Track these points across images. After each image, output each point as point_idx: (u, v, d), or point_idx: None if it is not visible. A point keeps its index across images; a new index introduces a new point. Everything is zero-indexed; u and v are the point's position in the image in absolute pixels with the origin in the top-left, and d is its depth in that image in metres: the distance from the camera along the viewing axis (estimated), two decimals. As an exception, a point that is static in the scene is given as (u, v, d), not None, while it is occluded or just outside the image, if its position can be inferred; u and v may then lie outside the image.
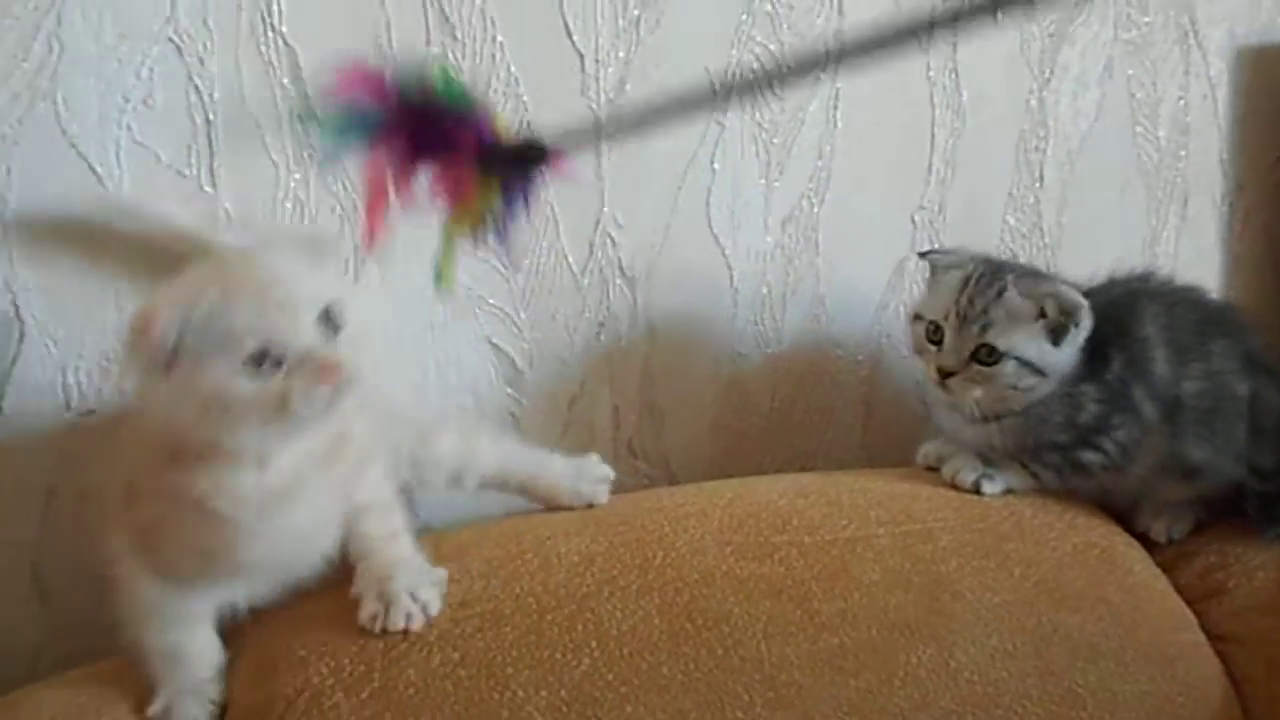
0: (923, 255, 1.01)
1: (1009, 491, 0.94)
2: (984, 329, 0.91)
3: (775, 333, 1.11)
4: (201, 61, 0.89)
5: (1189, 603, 0.92)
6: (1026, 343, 0.91)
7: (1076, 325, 0.91)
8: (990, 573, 0.86)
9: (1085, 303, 0.91)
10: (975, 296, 0.92)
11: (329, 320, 0.71)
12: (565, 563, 0.82)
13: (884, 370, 1.15)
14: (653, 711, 0.76)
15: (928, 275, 1.00)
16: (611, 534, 0.85)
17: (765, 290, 1.10)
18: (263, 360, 0.68)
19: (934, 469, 0.98)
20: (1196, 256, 1.25)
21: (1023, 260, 1.13)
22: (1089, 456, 0.93)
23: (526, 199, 0.62)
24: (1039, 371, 0.91)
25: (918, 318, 0.97)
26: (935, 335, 0.94)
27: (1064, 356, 0.92)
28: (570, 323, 1.04)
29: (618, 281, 1.05)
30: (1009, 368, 0.91)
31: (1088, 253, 1.19)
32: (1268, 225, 1.27)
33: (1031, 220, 1.18)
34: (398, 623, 0.76)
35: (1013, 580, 0.86)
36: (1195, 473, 0.95)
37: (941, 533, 0.88)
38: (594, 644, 0.77)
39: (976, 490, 0.94)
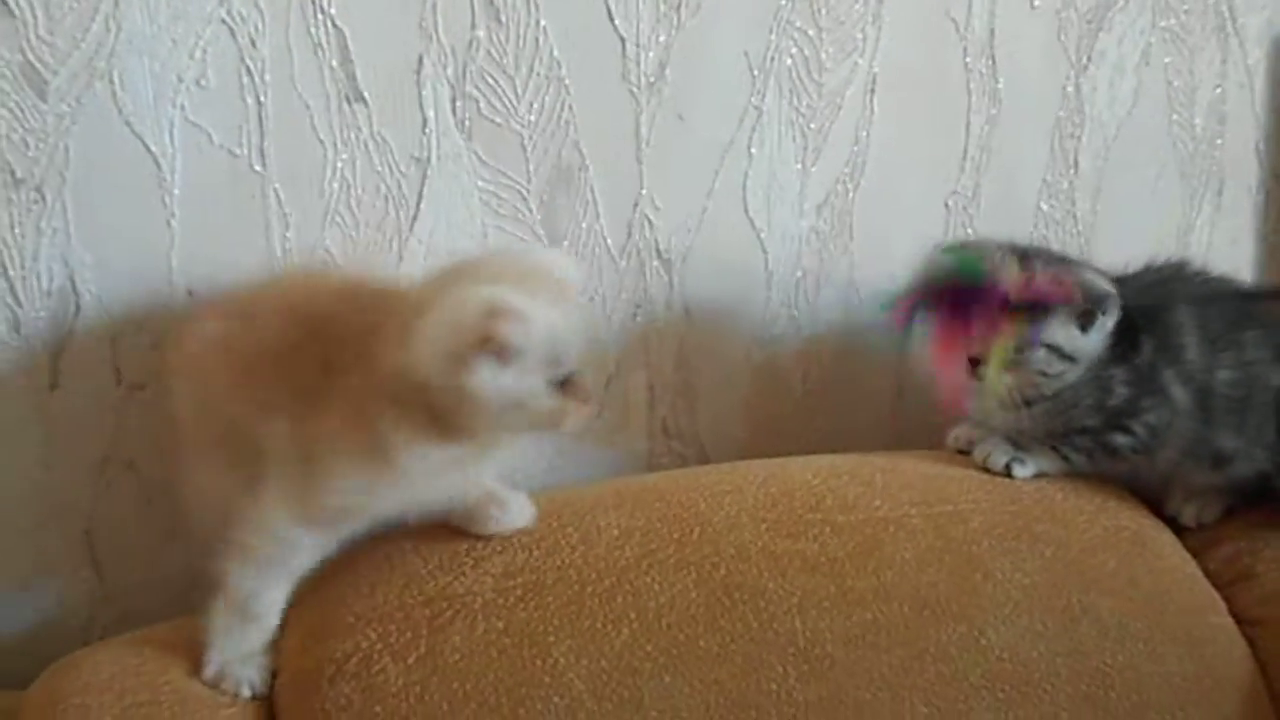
0: (946, 250, 1.00)
1: (1040, 475, 0.96)
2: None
3: (809, 316, 1.13)
4: (253, 43, 0.91)
5: (1217, 587, 0.93)
6: (1055, 329, 0.92)
7: (1104, 313, 0.92)
8: (1021, 554, 0.88)
9: (1112, 291, 0.92)
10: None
11: None
12: (605, 536, 0.84)
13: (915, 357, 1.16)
14: (689, 681, 0.78)
15: None
16: (649, 509, 0.87)
17: (800, 274, 1.11)
18: (563, 381, 0.76)
19: (964, 452, 1.00)
20: (1230, 245, 1.25)
21: (1052, 246, 1.14)
22: (1119, 439, 0.94)
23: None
24: (1068, 357, 0.92)
25: None
26: None
27: (1092, 343, 0.93)
28: (608, 304, 1.05)
29: (654, 264, 1.06)
30: (1039, 354, 0.92)
31: (1121, 240, 1.20)
32: (1302, 214, 1.27)
33: (1065, 207, 1.19)
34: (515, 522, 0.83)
35: (1043, 561, 0.87)
36: (1225, 461, 0.95)
37: (973, 514, 0.90)
38: (633, 615, 0.79)
39: (1008, 473, 0.95)
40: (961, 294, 0.80)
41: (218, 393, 0.82)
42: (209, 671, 0.79)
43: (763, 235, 1.09)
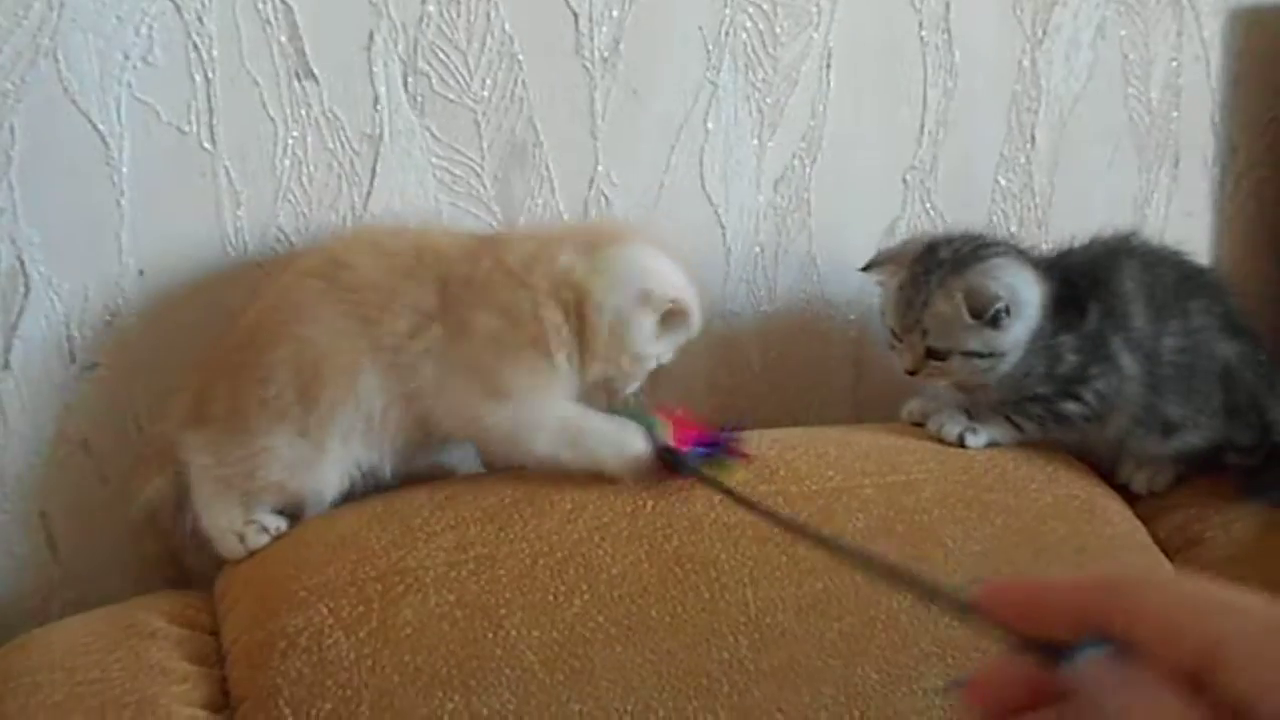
0: (864, 269, 1.02)
1: (993, 444, 0.96)
2: (923, 334, 0.95)
3: (768, 291, 1.13)
4: (200, 19, 0.90)
5: (1168, 554, 0.94)
6: (965, 337, 0.93)
7: (1007, 313, 0.92)
8: (971, 522, 0.88)
9: (1002, 290, 0.91)
10: (908, 307, 0.95)
11: None
12: (558, 510, 0.84)
13: (874, 329, 1.16)
14: (641, 651, 0.78)
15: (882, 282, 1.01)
16: (602, 484, 0.87)
17: (758, 249, 1.12)
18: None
19: (918, 424, 1.01)
20: (1186, 218, 1.26)
21: (974, 231, 1.06)
22: (1070, 407, 0.95)
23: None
24: (990, 355, 0.93)
25: (883, 315, 1.00)
26: (896, 338, 0.98)
27: (1013, 335, 0.93)
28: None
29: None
30: (956, 362, 0.94)
31: (1078, 213, 1.21)
32: (1259, 188, 1.28)
33: (1023, 181, 1.19)
34: None
35: (993, 530, 0.88)
36: (1173, 429, 0.97)
37: (925, 484, 0.91)
38: (585, 587, 0.80)
39: (961, 444, 0.96)
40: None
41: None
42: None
43: (720, 211, 1.09)
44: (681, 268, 0.92)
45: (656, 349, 0.91)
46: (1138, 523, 0.95)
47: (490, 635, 0.77)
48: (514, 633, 0.77)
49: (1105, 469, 0.99)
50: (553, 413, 0.88)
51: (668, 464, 0.85)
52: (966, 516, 0.89)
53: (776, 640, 0.80)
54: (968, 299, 0.92)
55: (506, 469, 0.91)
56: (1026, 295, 0.93)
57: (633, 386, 0.93)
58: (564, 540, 0.82)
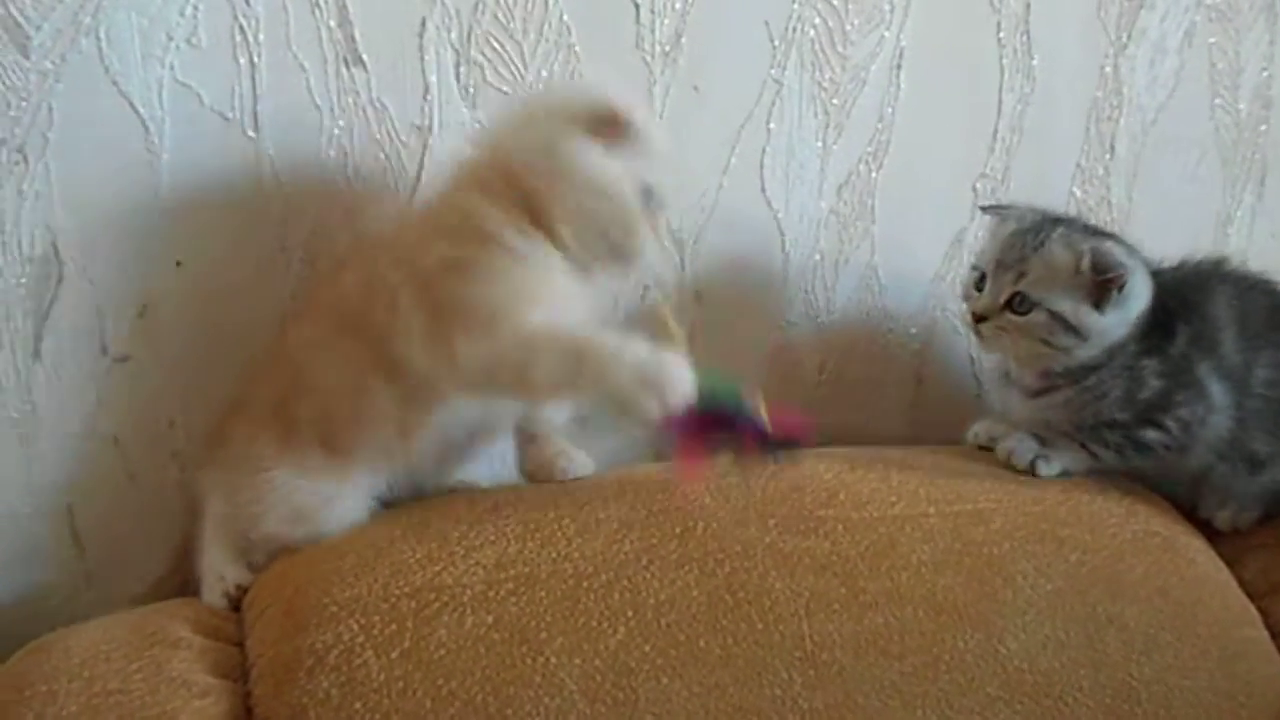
0: (985, 209, 0.98)
1: (1065, 473, 0.91)
2: (1019, 276, 0.88)
3: (826, 302, 1.08)
4: (247, 1, 0.87)
5: (1252, 597, 0.88)
6: (1060, 297, 0.87)
7: (1120, 290, 0.86)
8: (1044, 558, 0.83)
9: (1127, 263, 0.86)
10: (1018, 244, 0.89)
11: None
12: (604, 529, 0.80)
13: (937, 344, 1.11)
14: (688, 684, 0.73)
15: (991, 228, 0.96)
16: (651, 502, 0.82)
17: (818, 257, 1.06)
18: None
19: (986, 448, 0.95)
20: (1271, 239, 1.19)
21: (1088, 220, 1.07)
22: (1151, 435, 0.89)
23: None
24: (1073, 330, 0.87)
25: (973, 267, 0.95)
26: (980, 283, 0.92)
27: (1108, 322, 0.87)
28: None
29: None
30: (1040, 318, 0.87)
31: (1157, 229, 1.13)
32: (1350, 207, 1.21)
33: (1099, 193, 1.13)
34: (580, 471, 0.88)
35: (1068, 566, 0.83)
36: (1261, 465, 0.90)
37: (994, 515, 0.85)
38: (630, 613, 0.75)
39: (1032, 471, 0.90)
40: (710, 422, 0.76)
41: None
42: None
43: (780, 216, 1.04)
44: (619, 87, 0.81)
45: (615, 169, 0.77)
46: (1221, 564, 0.89)
47: (529, 661, 0.72)
48: (554, 659, 0.73)
49: (1186, 505, 0.93)
50: (543, 332, 0.74)
51: (755, 446, 0.76)
52: (1039, 552, 0.83)
53: (832, 678, 0.75)
54: (1094, 254, 0.86)
55: (543, 476, 0.87)
56: (1140, 288, 0.87)
57: (647, 246, 0.79)
58: (609, 562, 0.78)
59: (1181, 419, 0.89)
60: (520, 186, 0.77)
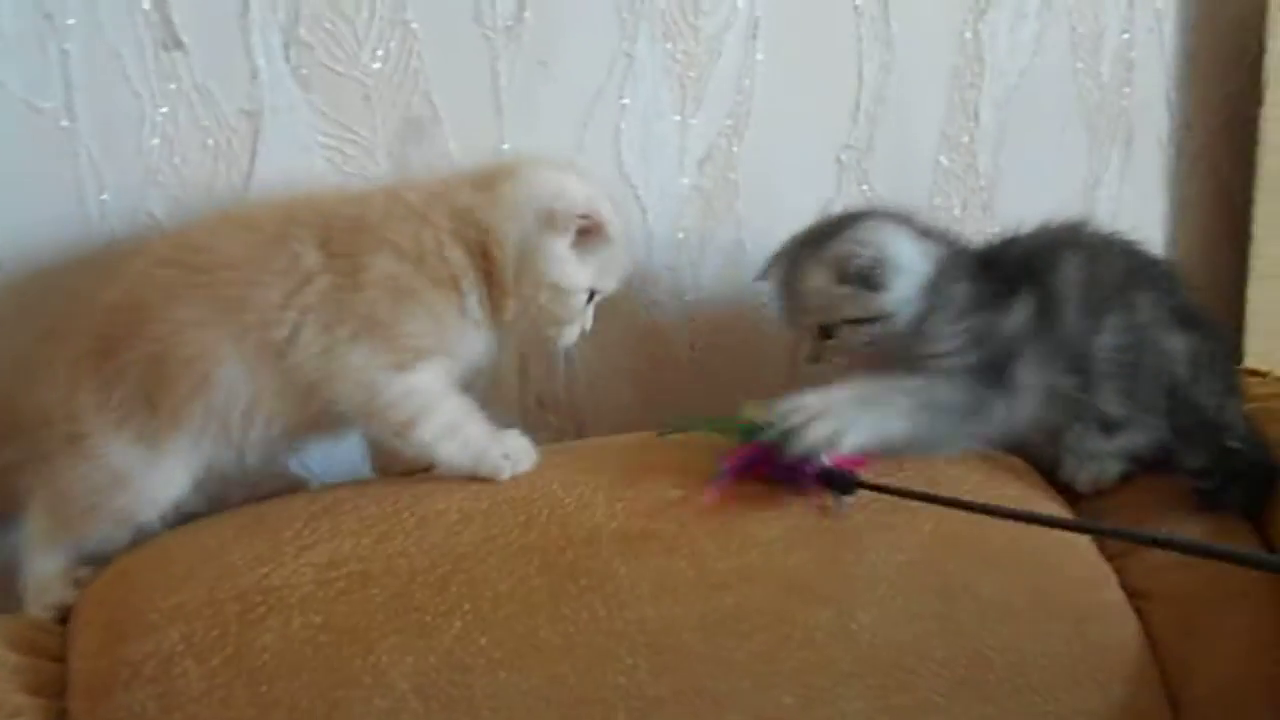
0: (757, 279, 0.98)
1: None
2: (806, 313, 0.91)
3: (693, 279, 1.06)
4: (51, -16, 0.82)
5: (1109, 559, 0.87)
6: (843, 305, 0.89)
7: (878, 271, 0.87)
8: (898, 530, 0.82)
9: (868, 252, 0.87)
10: (785, 290, 0.92)
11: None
12: (443, 521, 0.77)
13: (810, 319, 1.10)
14: (528, 677, 0.71)
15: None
16: (495, 490, 0.80)
17: (682, 235, 1.05)
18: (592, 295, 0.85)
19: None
20: (1140, 200, 1.19)
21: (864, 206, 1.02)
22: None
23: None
24: (875, 318, 0.88)
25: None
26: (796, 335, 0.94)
27: (898, 292, 0.88)
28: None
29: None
30: (845, 332, 0.89)
31: (1025, 195, 1.14)
32: (1216, 167, 1.22)
33: (966, 161, 1.13)
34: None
35: (921, 537, 0.82)
36: (1117, 426, 0.90)
37: (849, 488, 0.84)
38: (467, 606, 0.73)
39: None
40: (769, 460, 0.81)
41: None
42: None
43: (640, 192, 1.02)
44: (595, 184, 0.86)
45: (580, 276, 0.83)
46: (1079, 527, 0.88)
47: (359, 661, 0.70)
48: (385, 658, 0.70)
49: (1050, 467, 0.92)
50: (450, 400, 0.81)
51: (825, 483, 0.80)
52: (893, 523, 0.82)
53: (679, 662, 0.74)
54: (835, 266, 0.88)
55: (395, 470, 0.84)
56: (900, 251, 0.88)
57: (570, 332, 0.85)
58: (448, 554, 0.75)
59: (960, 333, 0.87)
60: (488, 250, 0.81)
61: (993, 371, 0.87)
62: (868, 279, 0.87)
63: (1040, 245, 0.93)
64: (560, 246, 0.82)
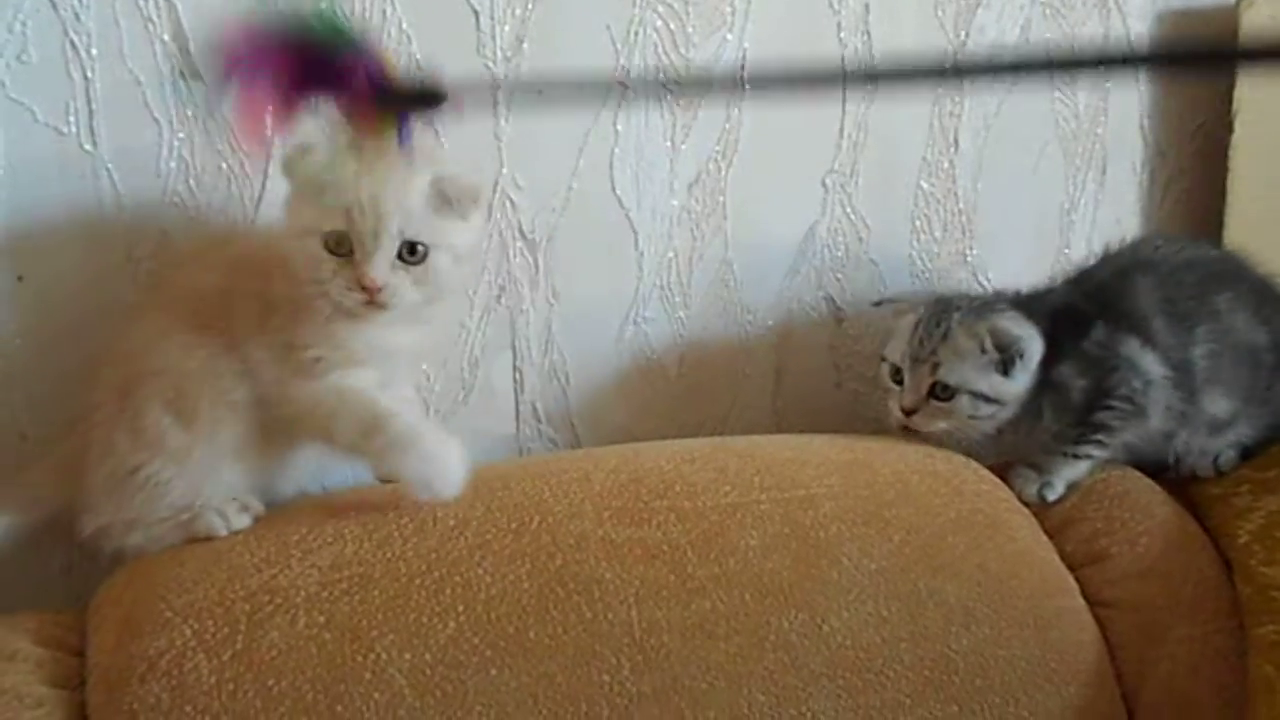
0: (876, 304, 1.07)
1: (1073, 486, 0.97)
2: (935, 368, 0.96)
3: (683, 297, 1.11)
4: (77, 16, 0.87)
5: (1072, 568, 0.92)
6: (976, 376, 0.95)
7: (1022, 356, 0.94)
8: (870, 539, 0.87)
9: (1023, 334, 0.94)
10: (925, 338, 0.97)
11: (411, 252, 0.79)
12: (440, 527, 0.82)
13: (795, 337, 1.15)
14: (517, 675, 0.76)
15: (892, 321, 1.04)
16: (490, 498, 0.85)
17: (672, 255, 1.09)
18: (340, 241, 0.78)
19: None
20: (1115, 225, 1.24)
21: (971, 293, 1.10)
22: (1103, 416, 0.95)
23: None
24: (993, 401, 0.95)
25: (883, 359, 1.02)
26: (897, 376, 0.99)
27: (1018, 384, 0.95)
28: (470, 286, 1.03)
29: (518, 245, 1.04)
30: (963, 401, 0.95)
31: (1003, 220, 1.19)
32: (1189, 193, 1.26)
33: (946, 186, 1.17)
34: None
35: (891, 546, 0.87)
36: (1224, 425, 0.97)
37: (824, 499, 0.89)
38: (461, 608, 0.78)
39: (1041, 499, 0.96)
40: (319, 59, 0.64)
41: None
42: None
43: (632, 214, 1.07)
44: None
45: (299, 220, 0.80)
46: (1043, 537, 0.93)
47: (359, 659, 0.75)
48: (384, 656, 0.75)
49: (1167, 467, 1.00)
50: (353, 395, 0.81)
51: (369, 96, 0.65)
52: (865, 533, 0.87)
53: (659, 662, 0.78)
54: (993, 335, 0.94)
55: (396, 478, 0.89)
56: (1035, 346, 0.95)
57: (338, 290, 0.79)
58: (443, 559, 0.80)
59: (1123, 394, 0.95)
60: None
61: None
62: (1010, 363, 0.94)
63: (1106, 283, 1.00)
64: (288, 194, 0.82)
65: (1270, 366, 0.98)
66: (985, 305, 0.99)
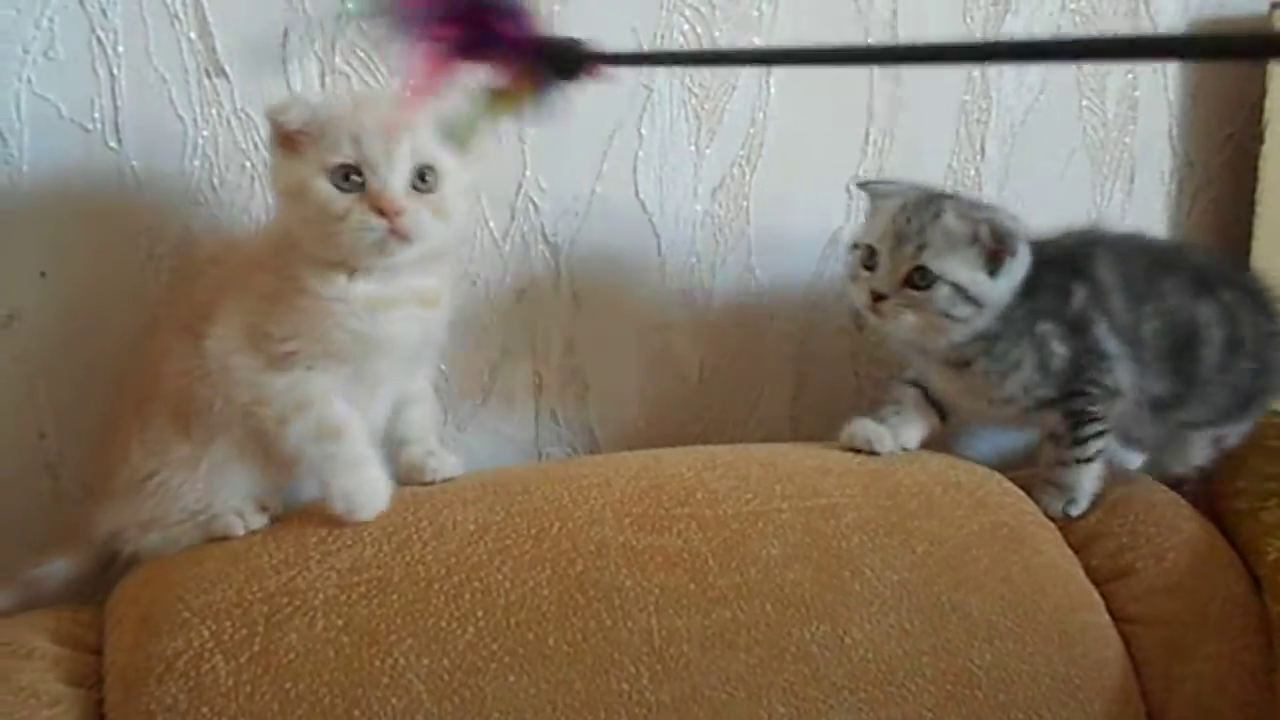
0: (862, 185, 0.99)
1: (1097, 497, 0.96)
2: (919, 249, 0.89)
3: (704, 302, 1.10)
4: (104, 13, 0.87)
5: (1098, 583, 0.91)
6: (961, 268, 0.89)
7: (1012, 255, 0.89)
8: (892, 550, 0.86)
9: (1019, 230, 0.90)
10: (912, 218, 0.90)
11: (423, 179, 0.79)
12: (460, 531, 0.82)
13: (816, 342, 1.14)
14: (536, 682, 0.75)
15: (868, 206, 0.98)
16: (510, 503, 0.84)
17: (694, 259, 1.09)
18: (348, 174, 0.77)
19: (861, 450, 0.96)
20: (1142, 234, 1.23)
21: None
22: (1080, 404, 0.93)
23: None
24: (972, 300, 0.89)
25: (855, 246, 0.95)
26: (870, 260, 0.92)
27: (999, 289, 0.90)
28: (490, 289, 1.02)
29: (540, 247, 1.03)
30: (943, 292, 0.89)
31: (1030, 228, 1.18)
32: (1217, 203, 1.25)
33: (971, 194, 1.16)
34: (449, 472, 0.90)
35: (914, 558, 0.85)
36: (1166, 406, 0.96)
37: (847, 509, 0.88)
38: (480, 613, 0.77)
39: (1067, 516, 0.95)
40: (480, 13, 0.60)
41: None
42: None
43: (655, 219, 1.06)
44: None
45: (302, 172, 0.78)
46: (1068, 551, 0.92)
47: (377, 663, 0.74)
48: (402, 660, 0.74)
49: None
50: (326, 402, 0.81)
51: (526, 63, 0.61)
52: (888, 544, 0.86)
53: (679, 672, 0.78)
54: (992, 224, 0.88)
55: (414, 482, 0.89)
56: (1024, 254, 0.91)
57: (359, 239, 0.77)
58: (463, 564, 0.79)
59: (1096, 380, 0.93)
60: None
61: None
62: (999, 256, 0.88)
63: (1073, 247, 0.97)
64: (274, 166, 0.81)
65: (1220, 347, 0.95)
66: (977, 201, 0.95)
